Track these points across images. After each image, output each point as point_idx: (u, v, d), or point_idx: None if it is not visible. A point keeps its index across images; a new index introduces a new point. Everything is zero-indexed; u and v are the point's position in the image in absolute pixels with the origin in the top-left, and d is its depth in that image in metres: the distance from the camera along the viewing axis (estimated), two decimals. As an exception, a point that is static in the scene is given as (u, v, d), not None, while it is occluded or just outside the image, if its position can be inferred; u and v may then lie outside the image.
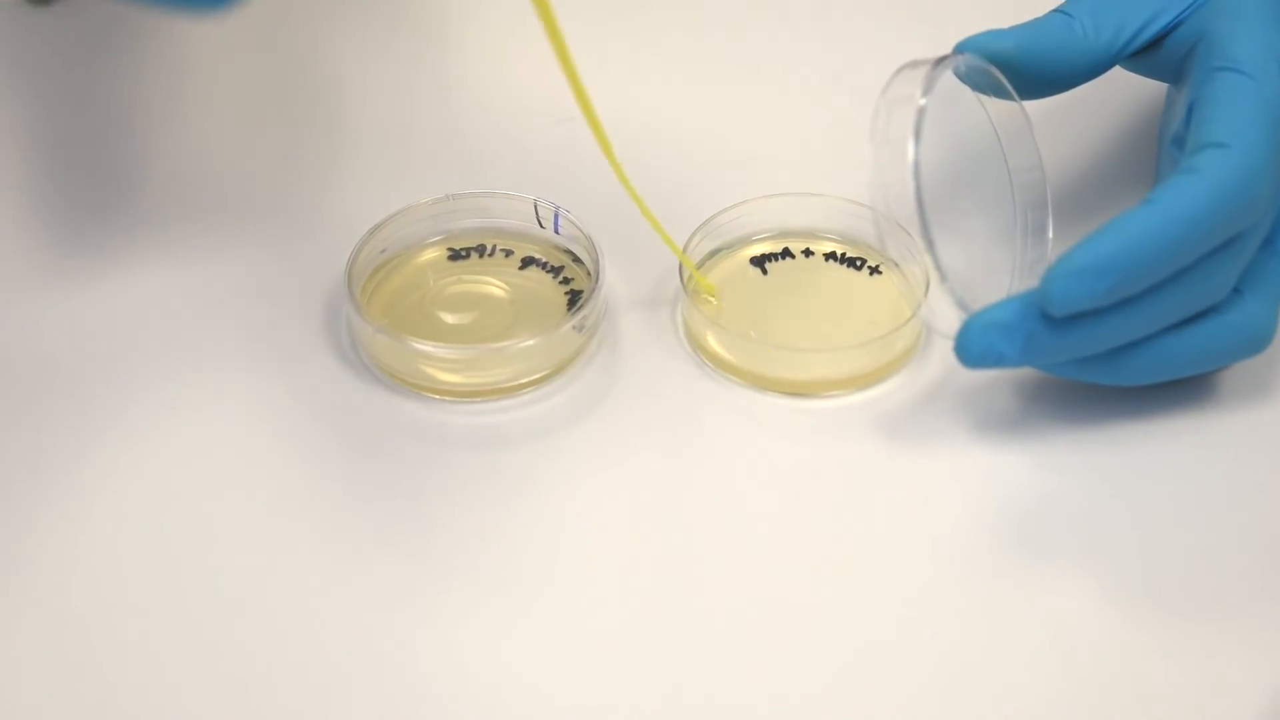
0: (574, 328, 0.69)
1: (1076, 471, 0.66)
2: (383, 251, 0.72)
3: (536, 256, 0.73)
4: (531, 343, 0.68)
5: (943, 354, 0.69)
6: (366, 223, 0.71)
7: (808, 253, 0.73)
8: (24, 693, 0.60)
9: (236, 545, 0.64)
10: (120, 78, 0.82)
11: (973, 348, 0.64)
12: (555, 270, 0.72)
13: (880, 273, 0.72)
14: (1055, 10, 0.69)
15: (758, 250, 0.73)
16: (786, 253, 0.73)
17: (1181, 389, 0.68)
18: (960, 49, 0.68)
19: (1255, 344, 0.67)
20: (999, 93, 0.69)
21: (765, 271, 0.72)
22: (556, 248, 0.73)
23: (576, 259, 0.72)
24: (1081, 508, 0.65)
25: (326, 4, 0.85)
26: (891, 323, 0.69)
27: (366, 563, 0.63)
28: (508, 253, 0.73)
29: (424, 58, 0.84)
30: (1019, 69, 0.69)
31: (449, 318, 0.70)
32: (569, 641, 0.61)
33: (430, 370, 0.68)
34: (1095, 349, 0.65)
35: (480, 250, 0.73)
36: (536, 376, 0.69)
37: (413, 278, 0.72)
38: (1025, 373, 0.68)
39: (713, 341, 0.69)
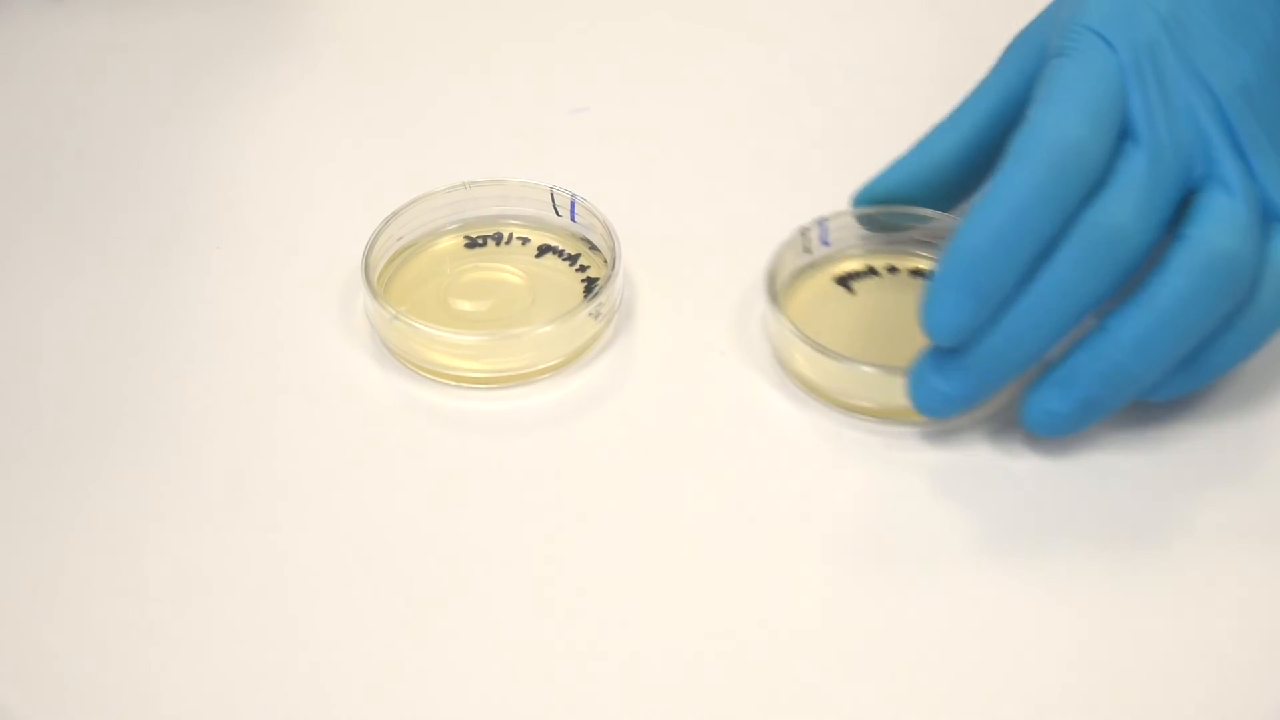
0: (590, 314, 0.69)
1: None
2: (399, 239, 0.72)
3: (553, 244, 0.73)
4: (547, 329, 0.68)
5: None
6: (384, 210, 0.72)
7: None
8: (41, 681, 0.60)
9: (253, 529, 0.64)
10: (138, 61, 0.82)
11: (924, 400, 0.65)
12: (572, 258, 0.72)
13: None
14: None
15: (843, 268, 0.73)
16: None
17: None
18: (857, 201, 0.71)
19: (1228, 273, 0.63)
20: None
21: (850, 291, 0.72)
22: (573, 235, 0.73)
23: (593, 246, 0.72)
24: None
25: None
26: None
27: (382, 548, 0.63)
28: (524, 240, 0.73)
29: (439, 46, 0.84)
30: (916, 199, 0.70)
31: (465, 305, 0.70)
32: (581, 630, 0.62)
33: (446, 357, 0.68)
34: (1035, 345, 0.63)
35: (497, 238, 0.73)
36: (552, 363, 0.69)
37: (429, 265, 0.72)
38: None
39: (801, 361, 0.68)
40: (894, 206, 0.71)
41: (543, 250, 0.73)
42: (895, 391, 0.66)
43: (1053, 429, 0.65)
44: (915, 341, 0.65)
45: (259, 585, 0.62)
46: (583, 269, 0.72)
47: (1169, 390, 0.65)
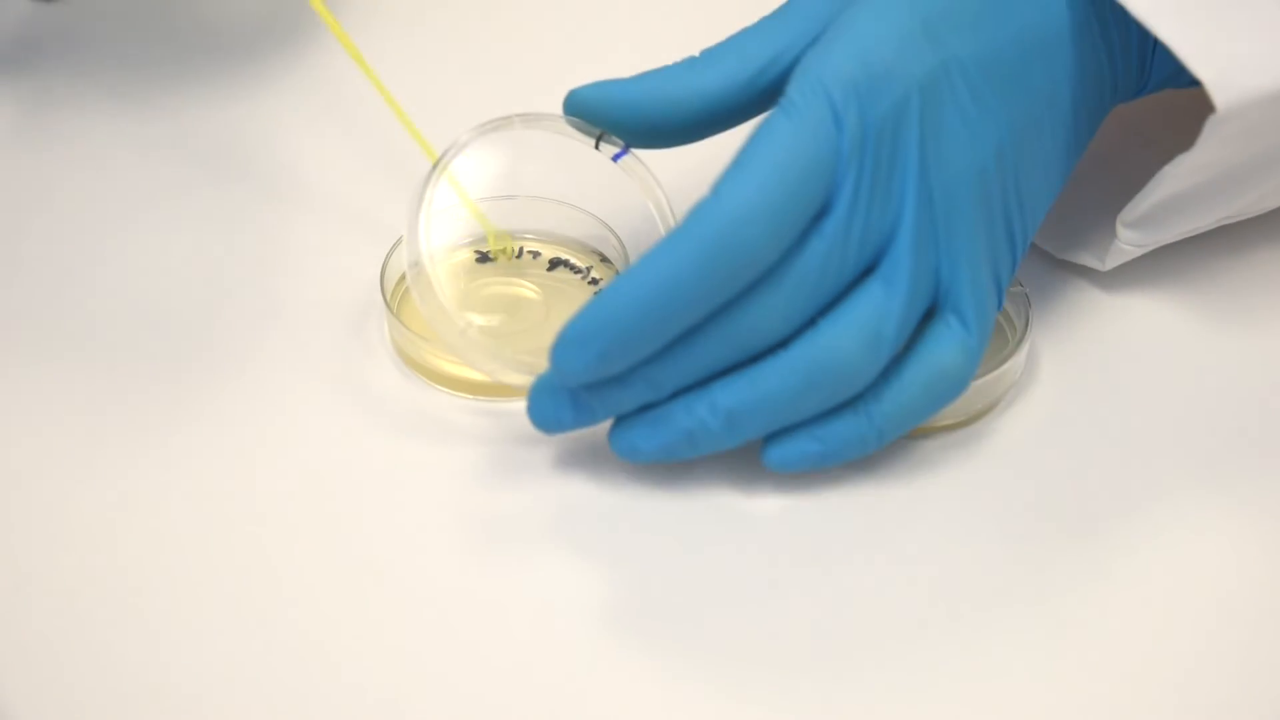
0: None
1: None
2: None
3: (564, 257, 0.73)
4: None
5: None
6: (401, 224, 0.72)
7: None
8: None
9: (272, 538, 0.65)
10: (159, 68, 0.82)
11: (536, 414, 0.64)
12: (583, 271, 0.73)
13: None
14: (686, 59, 0.66)
15: None
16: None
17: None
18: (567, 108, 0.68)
19: (839, 377, 0.62)
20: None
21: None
22: (584, 248, 0.73)
23: (605, 259, 0.73)
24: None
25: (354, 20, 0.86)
26: None
27: (402, 561, 0.64)
28: (535, 254, 0.74)
29: (445, 63, 0.84)
30: (616, 121, 0.66)
31: (478, 320, 0.71)
32: (593, 639, 0.62)
33: (462, 370, 0.69)
34: (645, 399, 0.63)
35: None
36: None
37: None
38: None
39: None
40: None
41: (554, 264, 0.73)
42: None
43: (633, 459, 0.65)
44: None
45: (260, 590, 0.63)
46: (595, 282, 0.73)
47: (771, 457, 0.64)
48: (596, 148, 0.68)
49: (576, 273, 0.73)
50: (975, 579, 0.64)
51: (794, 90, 0.62)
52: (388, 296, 0.70)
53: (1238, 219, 0.72)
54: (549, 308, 0.71)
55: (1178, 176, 0.67)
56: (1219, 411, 0.69)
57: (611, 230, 0.72)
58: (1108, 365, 0.70)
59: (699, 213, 0.60)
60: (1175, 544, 0.65)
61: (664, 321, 0.61)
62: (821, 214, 0.62)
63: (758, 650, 0.62)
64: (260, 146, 0.79)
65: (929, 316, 0.64)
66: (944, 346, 0.64)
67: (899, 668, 0.61)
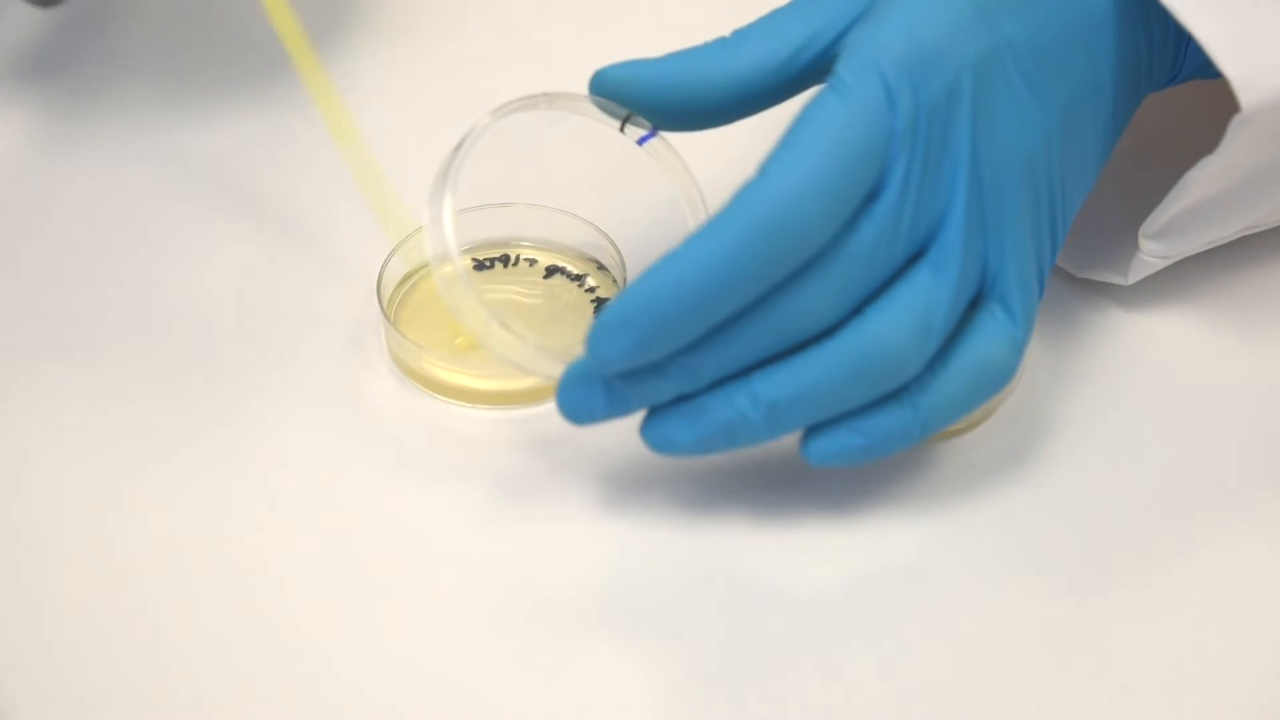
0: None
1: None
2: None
3: (561, 265, 0.73)
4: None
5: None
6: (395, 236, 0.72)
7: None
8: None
9: (271, 546, 0.65)
10: (144, 76, 0.82)
11: (566, 404, 0.62)
12: (579, 278, 0.73)
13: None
14: (716, 39, 0.64)
15: None
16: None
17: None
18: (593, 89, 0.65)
19: (886, 366, 0.61)
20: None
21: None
22: (581, 255, 0.73)
23: (601, 266, 0.73)
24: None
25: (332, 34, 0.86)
26: None
27: (404, 570, 0.64)
28: (531, 262, 0.74)
29: (437, 68, 0.85)
30: (645, 102, 0.64)
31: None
32: (594, 657, 0.63)
33: (463, 378, 0.69)
34: (682, 388, 0.61)
35: (504, 260, 0.74)
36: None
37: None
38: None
39: None
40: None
41: (550, 271, 0.73)
42: None
43: (668, 452, 0.63)
44: None
45: (260, 596, 0.63)
46: (591, 289, 0.73)
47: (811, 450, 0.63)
48: (622, 130, 0.66)
49: (573, 280, 0.73)
50: (972, 587, 0.64)
51: (844, 69, 0.60)
52: (385, 305, 0.70)
53: (1259, 229, 0.71)
54: (545, 315, 0.71)
55: (1201, 182, 0.66)
56: (1230, 425, 0.69)
57: (608, 238, 0.72)
58: (1110, 375, 0.70)
59: (746, 194, 0.58)
60: (1184, 559, 0.65)
61: (708, 307, 0.59)
62: (872, 196, 0.60)
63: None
64: (257, 158, 0.79)
65: (973, 306, 0.63)
66: (991, 337, 0.62)
67: (894, 680, 0.61)
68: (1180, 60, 0.67)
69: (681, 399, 0.62)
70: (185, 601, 0.63)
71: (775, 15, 0.64)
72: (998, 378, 0.63)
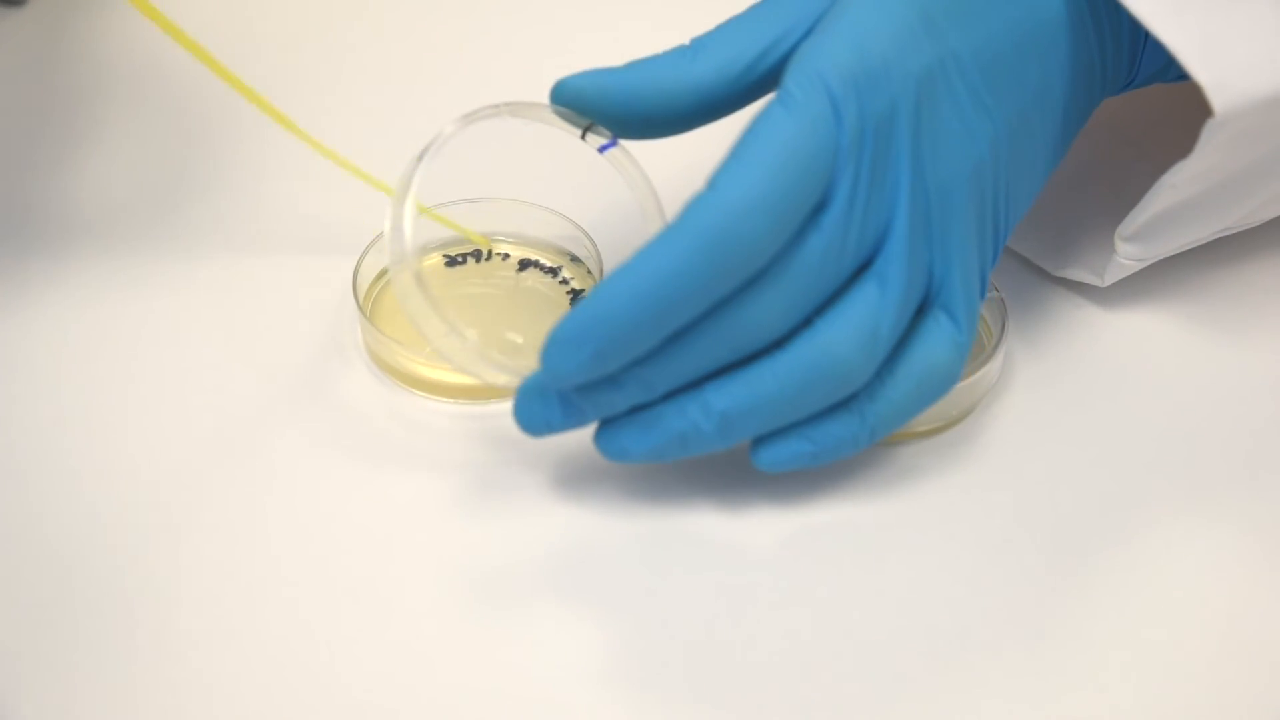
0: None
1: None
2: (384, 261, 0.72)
3: (534, 258, 0.73)
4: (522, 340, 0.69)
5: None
6: (372, 230, 0.72)
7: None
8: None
9: (245, 547, 0.65)
10: (116, 73, 0.82)
11: (523, 417, 0.63)
12: (553, 271, 0.73)
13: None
14: (676, 47, 0.65)
15: None
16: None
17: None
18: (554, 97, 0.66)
19: (835, 378, 0.62)
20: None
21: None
22: (554, 249, 0.74)
23: (575, 258, 0.73)
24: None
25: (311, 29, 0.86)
26: None
27: (380, 570, 0.64)
28: (504, 256, 0.74)
29: (422, 67, 0.85)
30: (606, 112, 0.65)
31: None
32: (576, 643, 0.63)
33: (436, 374, 0.69)
34: (636, 399, 0.62)
35: (477, 255, 0.74)
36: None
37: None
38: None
39: None
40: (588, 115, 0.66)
41: (524, 264, 0.73)
42: None
43: (622, 460, 0.64)
44: None
45: (236, 582, 0.63)
46: (565, 281, 0.73)
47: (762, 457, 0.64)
48: (583, 138, 0.67)
49: (547, 273, 0.73)
50: (950, 587, 0.64)
51: (792, 82, 0.60)
52: (360, 300, 0.70)
53: (1235, 230, 0.72)
54: (519, 309, 0.71)
55: (1176, 186, 0.67)
56: (1201, 421, 0.69)
57: (583, 231, 0.72)
58: (1088, 373, 0.71)
59: (696, 206, 0.59)
60: (1152, 553, 0.65)
61: (660, 319, 0.59)
62: (819, 209, 0.61)
63: (749, 676, 0.62)
64: (233, 149, 0.79)
65: (918, 313, 0.64)
66: (936, 344, 0.63)
67: (872, 677, 0.62)
68: (1136, 65, 0.68)
69: (636, 409, 0.63)
70: (164, 596, 0.63)
71: (734, 23, 0.65)
72: (942, 383, 0.64)
